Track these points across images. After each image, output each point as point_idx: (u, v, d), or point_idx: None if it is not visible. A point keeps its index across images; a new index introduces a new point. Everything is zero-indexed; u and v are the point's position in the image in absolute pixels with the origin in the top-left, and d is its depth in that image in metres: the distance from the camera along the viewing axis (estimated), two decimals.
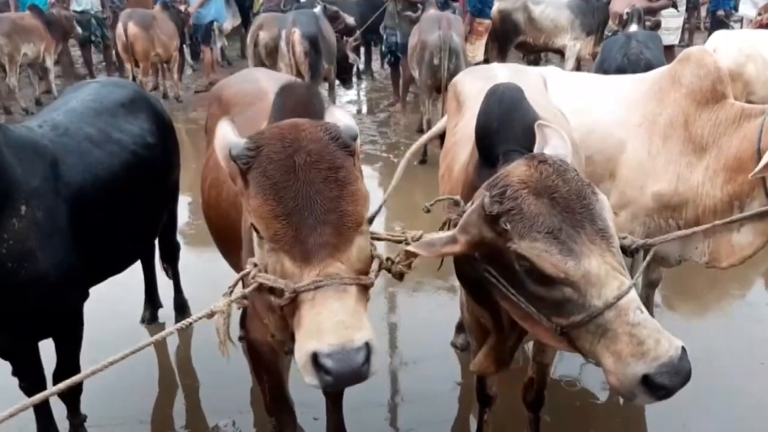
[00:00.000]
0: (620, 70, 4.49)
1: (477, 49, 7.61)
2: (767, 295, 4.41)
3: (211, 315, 1.56)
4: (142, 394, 3.33)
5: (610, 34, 6.92)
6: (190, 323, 1.51)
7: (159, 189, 3.11)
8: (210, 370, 3.51)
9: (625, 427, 3.13)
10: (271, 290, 1.54)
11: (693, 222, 2.83)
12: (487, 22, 7.81)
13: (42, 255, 2.29)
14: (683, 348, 1.47)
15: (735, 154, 2.64)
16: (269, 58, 7.67)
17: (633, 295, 1.50)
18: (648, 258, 1.84)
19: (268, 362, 2.27)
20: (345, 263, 1.49)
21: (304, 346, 1.42)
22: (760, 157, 2.52)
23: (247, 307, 2.37)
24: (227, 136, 1.67)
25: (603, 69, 4.73)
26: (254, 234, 1.55)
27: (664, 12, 7.56)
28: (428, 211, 1.92)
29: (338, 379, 1.40)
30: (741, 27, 10.39)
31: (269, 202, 1.47)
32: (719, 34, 6.24)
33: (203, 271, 4.22)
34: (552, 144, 1.72)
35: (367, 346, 1.42)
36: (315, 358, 1.40)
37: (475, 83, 2.77)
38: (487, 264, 1.65)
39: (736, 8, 10.72)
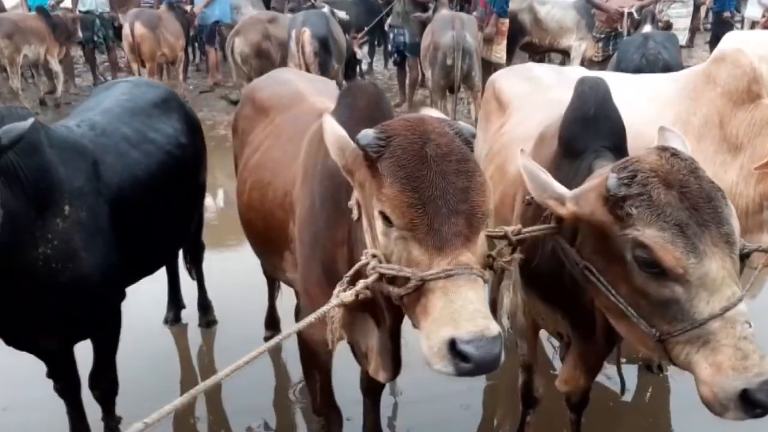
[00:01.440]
0: (638, 70, 4.50)
1: (503, 49, 7.48)
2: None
3: (341, 305, 1.56)
4: (171, 395, 3.30)
5: (601, 36, 6.83)
6: (314, 319, 1.50)
7: (191, 188, 3.11)
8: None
9: (656, 426, 3.14)
10: (391, 281, 1.55)
11: None
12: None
13: (85, 255, 2.28)
14: None
15: None
16: (245, 65, 7.52)
17: (742, 307, 1.47)
18: (762, 265, 1.82)
19: (323, 362, 2.27)
20: (473, 254, 1.50)
21: (438, 333, 1.42)
22: None
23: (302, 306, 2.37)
24: (337, 129, 1.69)
25: (620, 69, 4.73)
26: (379, 222, 1.55)
27: (671, 12, 7.62)
28: (529, 203, 1.89)
29: (478, 366, 1.40)
30: (742, 28, 10.47)
31: (406, 190, 1.48)
32: (731, 36, 6.25)
33: (222, 271, 4.22)
34: (673, 146, 1.69)
35: (500, 336, 1.44)
36: (452, 345, 1.40)
37: (517, 84, 2.78)
38: (588, 254, 1.63)
39: (738, 9, 10.80)
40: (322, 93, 2.65)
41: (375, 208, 1.55)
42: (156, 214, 2.71)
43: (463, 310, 1.42)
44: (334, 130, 1.69)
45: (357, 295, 1.55)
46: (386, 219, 1.52)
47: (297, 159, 2.26)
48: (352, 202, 1.74)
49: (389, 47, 8.55)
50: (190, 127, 3.09)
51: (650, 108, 3.03)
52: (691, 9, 7.99)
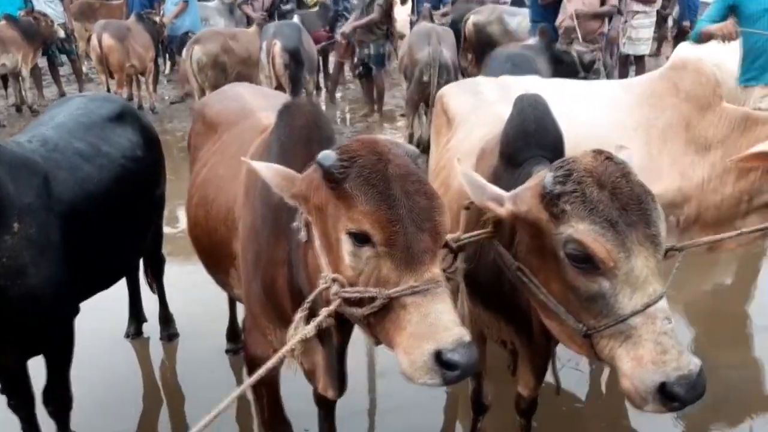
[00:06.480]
0: None
1: None
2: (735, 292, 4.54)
3: (303, 340, 1.56)
4: (130, 409, 3.30)
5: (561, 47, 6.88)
6: (278, 359, 1.54)
7: (147, 202, 3.11)
8: (195, 383, 3.50)
9: (612, 430, 3.20)
10: (354, 302, 1.55)
11: (693, 217, 2.98)
12: None
13: (35, 271, 2.27)
14: (701, 366, 1.48)
15: None
16: (200, 74, 7.51)
17: (663, 303, 1.52)
18: (677, 262, 1.88)
19: (269, 377, 2.24)
20: (438, 269, 1.54)
21: (421, 347, 1.44)
22: None
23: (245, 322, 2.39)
24: (270, 165, 1.71)
25: None
26: (348, 244, 1.53)
27: (635, 23, 7.77)
28: (468, 208, 1.93)
29: (464, 372, 1.44)
30: None
31: (382, 207, 1.49)
32: (685, 45, 6.40)
33: (184, 284, 4.22)
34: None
35: (473, 341, 1.48)
36: (437, 356, 1.43)
37: (463, 98, 2.83)
38: (524, 254, 1.69)
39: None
40: (270, 108, 2.61)
41: (341, 229, 1.53)
42: (110, 228, 2.71)
43: (439, 321, 1.46)
44: (268, 167, 1.69)
45: (320, 326, 1.55)
46: (356, 239, 1.51)
47: (240, 175, 2.25)
48: (297, 224, 1.72)
49: (355, 60, 8.52)
50: (146, 140, 3.09)
51: (609, 113, 3.15)
52: (654, 19, 8.15)
